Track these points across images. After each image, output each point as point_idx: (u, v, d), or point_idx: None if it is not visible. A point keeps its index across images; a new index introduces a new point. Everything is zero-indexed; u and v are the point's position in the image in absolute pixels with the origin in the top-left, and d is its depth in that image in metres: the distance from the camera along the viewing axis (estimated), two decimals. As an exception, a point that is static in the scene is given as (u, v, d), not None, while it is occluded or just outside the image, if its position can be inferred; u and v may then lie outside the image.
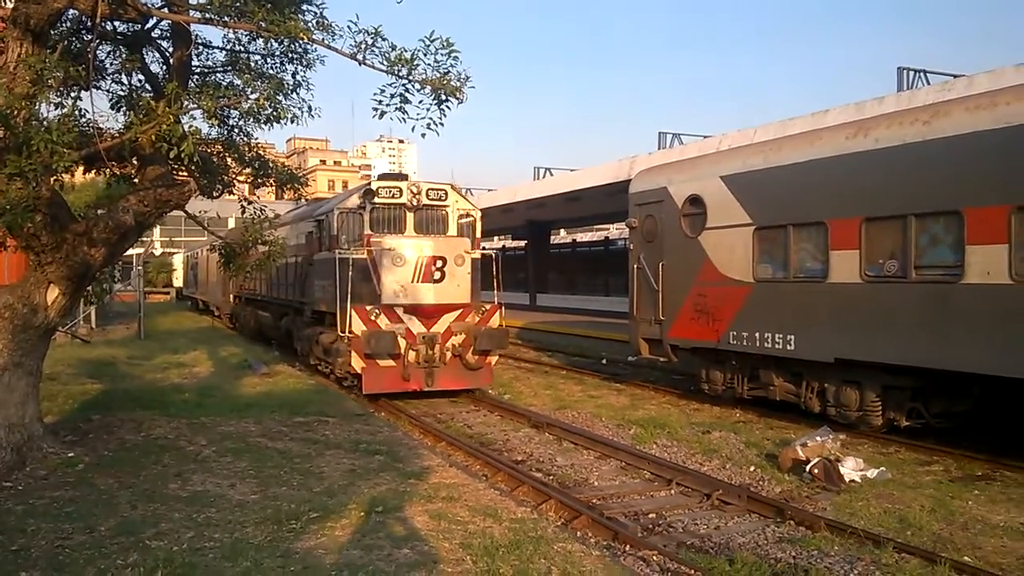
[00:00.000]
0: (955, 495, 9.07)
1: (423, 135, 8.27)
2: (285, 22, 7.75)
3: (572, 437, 12.36)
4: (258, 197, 12.29)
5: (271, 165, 12.03)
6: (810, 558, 7.27)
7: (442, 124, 8.27)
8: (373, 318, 14.61)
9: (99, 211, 9.69)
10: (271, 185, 12.42)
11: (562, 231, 63.93)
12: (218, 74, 11.15)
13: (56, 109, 8.70)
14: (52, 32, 8.92)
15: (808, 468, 9.74)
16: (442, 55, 8.00)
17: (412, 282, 14.75)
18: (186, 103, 8.28)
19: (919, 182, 10.42)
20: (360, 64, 8.02)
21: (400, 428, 12.76)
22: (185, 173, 10.36)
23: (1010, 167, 9.37)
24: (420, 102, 8.24)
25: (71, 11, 8.76)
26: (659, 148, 32.27)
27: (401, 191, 15.69)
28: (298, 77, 10.33)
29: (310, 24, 8.39)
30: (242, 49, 10.72)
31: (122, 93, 10.76)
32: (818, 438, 10.16)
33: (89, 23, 9.31)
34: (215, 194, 11.55)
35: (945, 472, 10.23)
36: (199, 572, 6.01)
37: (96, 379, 16.27)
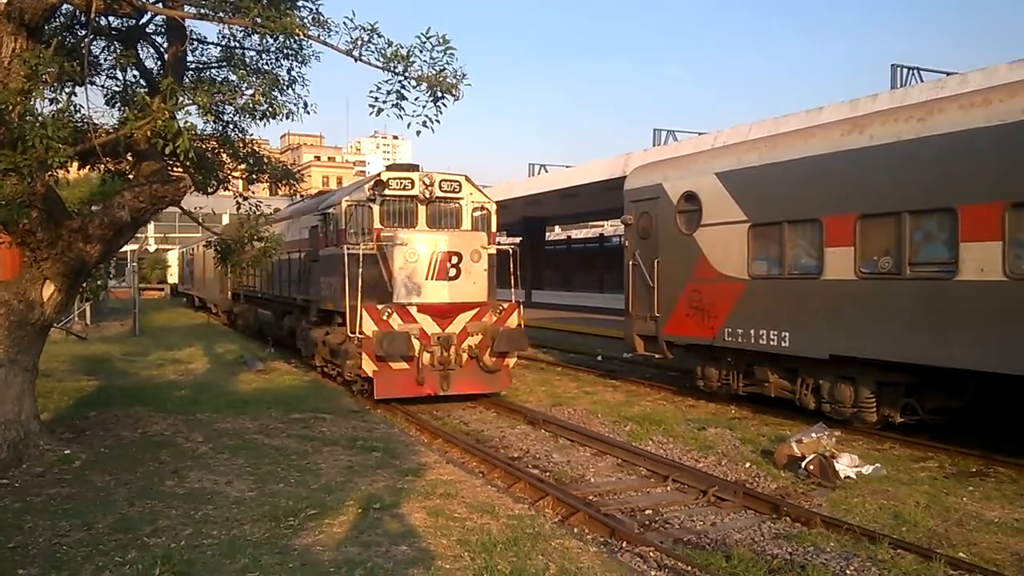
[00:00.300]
0: (950, 491, 9.11)
1: (419, 132, 8.28)
2: (281, 18, 7.75)
3: (568, 434, 12.38)
4: (253, 193, 12.28)
5: (266, 161, 12.03)
6: (806, 554, 7.29)
7: (438, 121, 8.29)
8: (385, 318, 13.82)
9: (94, 207, 9.68)
10: (266, 181, 12.40)
11: (557, 228, 63.94)
12: (213, 70, 11.15)
13: (51, 105, 8.68)
14: (46, 27, 8.89)
15: (803, 464, 9.77)
16: (438, 52, 8.02)
17: (426, 279, 13.95)
18: (181, 99, 8.27)
19: (913, 179, 10.45)
20: (356, 61, 8.03)
21: (396, 425, 12.77)
22: (180, 169, 10.35)
23: (1004, 164, 9.40)
24: (416, 99, 8.24)
25: (65, 6, 8.73)
26: (654, 145, 32.32)
27: (413, 182, 14.89)
28: (293, 73, 10.35)
29: (306, 20, 8.39)
30: (237, 45, 10.74)
31: (117, 89, 10.76)
32: (813, 434, 10.19)
33: (83, 18, 9.28)
34: (210, 190, 11.56)
35: (940, 468, 10.28)
36: (198, 569, 6.01)
37: (92, 376, 16.25)
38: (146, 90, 9.97)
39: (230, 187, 12.04)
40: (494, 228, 15.78)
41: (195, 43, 10.74)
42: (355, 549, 6.50)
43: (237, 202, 11.48)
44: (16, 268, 8.91)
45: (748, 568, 6.83)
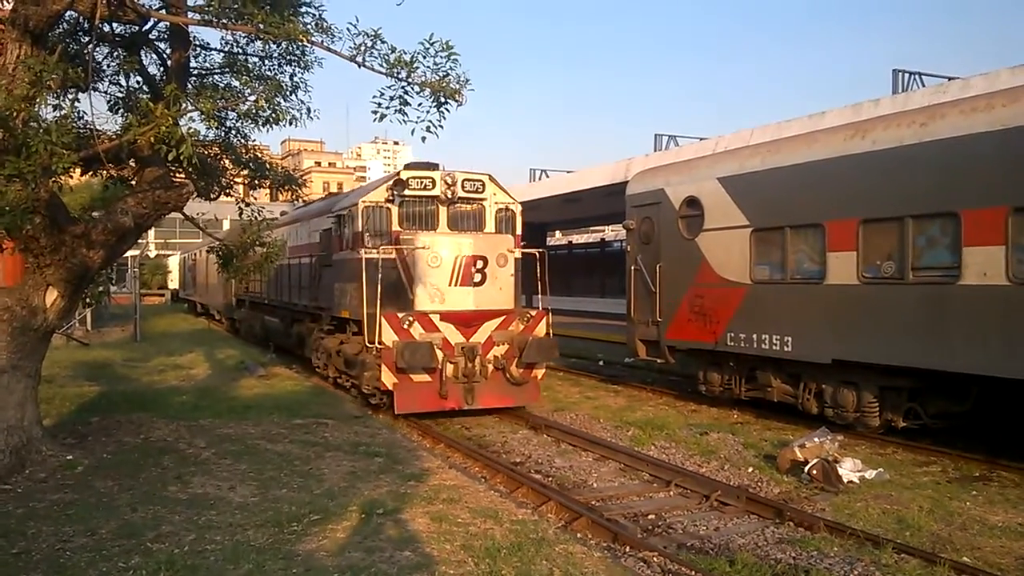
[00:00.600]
0: (953, 496, 9.10)
1: (423, 138, 8.29)
2: (284, 24, 7.76)
3: (570, 439, 12.37)
4: (256, 199, 12.30)
5: (268, 166, 12.05)
6: (810, 559, 7.28)
7: (441, 126, 8.30)
8: (405, 327, 12.96)
9: (95, 213, 9.69)
10: (267, 187, 12.42)
11: (558, 233, 63.94)
12: (216, 76, 11.16)
13: (54, 111, 8.70)
14: (50, 34, 8.91)
15: (806, 469, 9.77)
16: (441, 57, 8.05)
17: (449, 285, 13.11)
18: (185, 105, 8.28)
19: (916, 184, 10.45)
20: (360, 66, 8.06)
21: (399, 430, 12.75)
22: (183, 175, 10.37)
23: (1007, 169, 9.41)
24: (419, 104, 8.26)
25: (69, 13, 8.75)
26: (655, 150, 32.32)
27: (434, 182, 14.01)
28: (296, 79, 10.35)
29: (309, 26, 8.41)
30: (240, 51, 10.74)
31: (120, 95, 10.79)
32: (816, 439, 10.17)
33: (87, 25, 9.31)
34: (212, 196, 11.57)
35: (943, 473, 10.26)
36: (201, 575, 6.01)
37: (93, 381, 16.24)
38: (149, 96, 10.00)
39: (232, 193, 12.06)
40: (519, 230, 14.92)
41: (198, 49, 10.76)
42: (359, 555, 6.49)
43: (239, 208, 11.49)
44: (19, 274, 8.92)
45: (752, 573, 6.83)
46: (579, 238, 63.93)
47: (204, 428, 11.66)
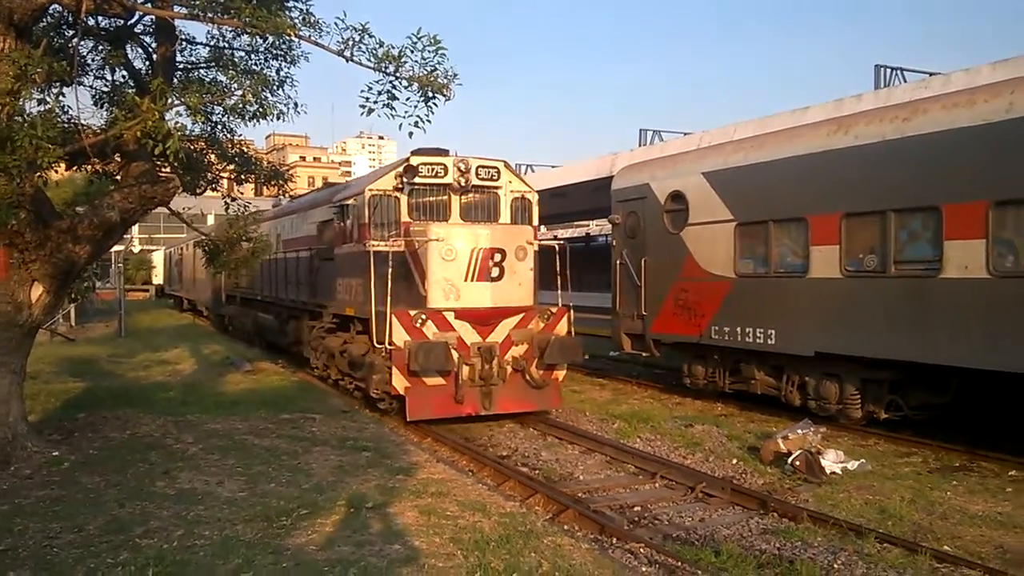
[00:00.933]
0: (934, 486, 9.24)
1: (411, 133, 8.30)
2: (272, 18, 7.76)
3: (556, 432, 12.44)
4: (242, 194, 12.26)
5: (254, 161, 12.02)
6: (794, 549, 7.38)
7: (429, 121, 8.33)
8: (418, 325, 12.05)
9: (78, 208, 9.66)
10: (253, 181, 12.38)
11: (543, 227, 63.99)
12: (201, 70, 11.12)
13: (39, 105, 8.66)
14: (34, 27, 8.86)
15: (790, 460, 9.88)
16: (429, 52, 8.05)
17: (465, 281, 12.09)
18: (171, 100, 8.27)
19: (898, 178, 10.57)
20: (348, 61, 8.06)
21: (386, 424, 12.76)
22: (168, 170, 10.33)
23: (988, 163, 9.54)
24: (407, 99, 8.27)
25: (54, 6, 8.70)
26: (640, 145, 32.37)
27: (446, 169, 12.99)
28: (282, 73, 10.34)
29: (296, 21, 8.40)
30: (226, 45, 10.70)
31: (105, 89, 10.72)
32: (799, 431, 10.29)
33: (72, 18, 9.26)
34: (199, 191, 11.54)
35: (924, 463, 10.41)
36: (191, 570, 6.02)
37: (78, 377, 16.17)
38: (135, 90, 9.95)
39: (218, 188, 12.03)
40: (535, 221, 14.01)
41: (184, 43, 10.71)
42: (348, 548, 6.52)
43: (225, 203, 11.46)
44: (4, 270, 8.86)
45: (737, 563, 6.91)
46: (564, 232, 64.06)
47: (191, 423, 11.64)
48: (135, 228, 64.92)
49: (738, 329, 13.01)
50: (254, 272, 19.89)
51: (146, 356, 20.70)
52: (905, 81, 22.85)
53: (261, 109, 8.90)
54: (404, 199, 12.95)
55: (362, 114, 8.64)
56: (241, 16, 7.73)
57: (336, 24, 8.16)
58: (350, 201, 13.80)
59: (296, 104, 10.25)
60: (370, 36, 8.10)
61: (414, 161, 12.85)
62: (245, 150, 11.90)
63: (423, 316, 12.05)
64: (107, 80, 10.79)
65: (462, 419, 12.70)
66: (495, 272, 12.21)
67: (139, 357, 20.53)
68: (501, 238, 12.35)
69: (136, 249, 68.38)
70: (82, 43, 9.89)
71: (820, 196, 11.64)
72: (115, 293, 35.67)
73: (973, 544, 7.46)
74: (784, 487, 9.39)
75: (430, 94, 8.20)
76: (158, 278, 57.80)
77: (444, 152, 13.44)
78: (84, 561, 6.18)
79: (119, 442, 10.34)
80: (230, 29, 9.58)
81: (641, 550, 7.33)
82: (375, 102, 8.24)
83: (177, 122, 8.34)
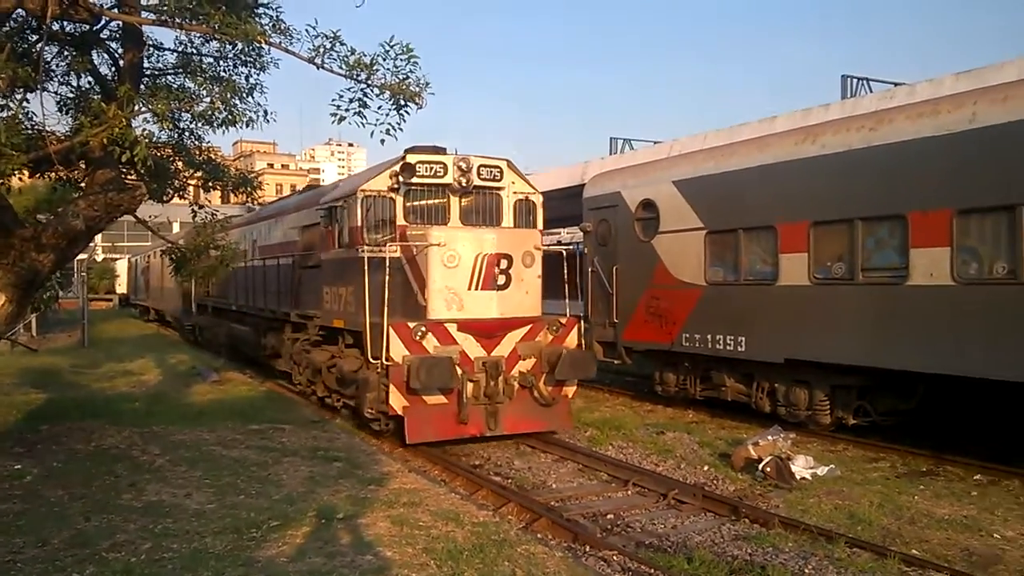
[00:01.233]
0: (902, 490, 9.36)
1: (382, 141, 8.25)
2: (242, 24, 7.67)
3: (529, 440, 12.40)
4: (209, 201, 12.10)
5: (222, 168, 11.86)
6: (765, 555, 7.43)
7: (401, 129, 8.26)
8: (418, 338, 11.12)
9: (39, 216, 9.46)
10: (220, 188, 12.21)
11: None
12: (169, 76, 10.98)
13: (1, 111, 8.48)
14: (-2, 32, 8.69)
15: (760, 467, 9.95)
16: (402, 60, 8.00)
17: (469, 289, 11.20)
18: (138, 106, 8.14)
19: (865, 187, 10.73)
20: (319, 68, 7.98)
21: (357, 434, 12.65)
22: (135, 177, 10.17)
23: (951, 172, 9.72)
24: (379, 107, 8.22)
25: (18, 11, 8.53)
26: (611, 153, 32.61)
27: (446, 168, 12.03)
28: (251, 80, 10.23)
29: (267, 27, 8.32)
30: (195, 51, 10.58)
31: (70, 95, 10.53)
32: (769, 437, 10.38)
33: (36, 23, 9.08)
34: (166, 198, 11.37)
35: (892, 468, 10.55)
36: (159, 583, 5.92)
37: (41, 389, 15.85)
38: (101, 97, 9.79)
39: (185, 195, 11.85)
40: (540, 224, 13.15)
41: (151, 49, 10.56)
42: (319, 560, 6.45)
43: (193, 210, 11.30)
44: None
45: (710, 570, 6.95)
46: (535, 240, 64.17)
47: (157, 435, 11.45)
48: (98, 236, 63.93)
49: (708, 337, 13.10)
50: (227, 280, 19.15)
51: (110, 367, 20.35)
52: (871, 91, 23.29)
53: (230, 116, 8.78)
54: (400, 200, 12.04)
55: (333, 122, 8.56)
56: (210, 22, 7.62)
57: (307, 31, 8.10)
58: (340, 203, 12.83)
59: (266, 112, 10.17)
60: (341, 44, 8.02)
61: (411, 159, 11.83)
62: (213, 157, 11.75)
63: (423, 328, 11.13)
64: (73, 86, 10.59)
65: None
66: (501, 280, 11.33)
67: (103, 368, 20.17)
68: (508, 243, 11.48)
69: (99, 258, 67.27)
70: (47, 48, 9.71)
71: (789, 204, 11.78)
72: (78, 302, 35.06)
73: (940, 547, 7.56)
74: (755, 493, 9.46)
75: (402, 102, 8.16)
76: (122, 287, 56.88)
77: (442, 150, 12.48)
78: (49, 575, 6.06)
79: (83, 454, 10.15)
80: (199, 35, 9.46)
81: (614, 557, 7.34)
82: (346, 110, 8.18)
83: (144, 129, 8.22)
